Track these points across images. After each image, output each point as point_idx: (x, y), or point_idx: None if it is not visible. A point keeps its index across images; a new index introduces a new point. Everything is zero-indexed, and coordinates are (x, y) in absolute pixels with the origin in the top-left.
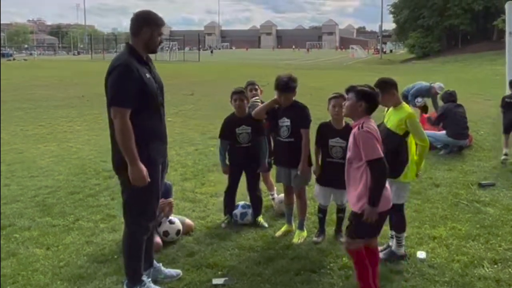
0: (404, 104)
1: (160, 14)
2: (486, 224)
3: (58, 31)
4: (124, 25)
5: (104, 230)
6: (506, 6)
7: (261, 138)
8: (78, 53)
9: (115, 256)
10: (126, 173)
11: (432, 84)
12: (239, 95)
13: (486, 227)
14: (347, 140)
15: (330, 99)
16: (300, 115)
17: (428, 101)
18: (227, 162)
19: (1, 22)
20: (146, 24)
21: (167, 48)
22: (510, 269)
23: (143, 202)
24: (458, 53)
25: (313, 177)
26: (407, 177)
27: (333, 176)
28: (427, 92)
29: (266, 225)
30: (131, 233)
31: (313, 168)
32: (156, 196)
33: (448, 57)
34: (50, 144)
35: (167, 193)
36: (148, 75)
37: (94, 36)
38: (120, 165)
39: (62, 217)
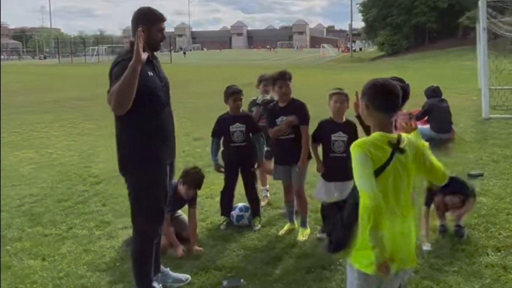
0: None
1: (129, 16)
2: (482, 213)
3: (22, 35)
4: (91, 27)
5: (100, 238)
6: (480, 2)
7: (257, 135)
8: (45, 57)
9: (117, 264)
10: (131, 174)
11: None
12: (239, 94)
13: (483, 216)
14: (348, 134)
15: (331, 94)
16: (299, 112)
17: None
18: (222, 162)
19: None
20: (142, 22)
21: None
22: None
23: (151, 203)
24: (425, 50)
25: (314, 174)
26: None
27: (336, 171)
28: None
29: (257, 228)
30: (141, 237)
31: (310, 163)
32: (163, 198)
33: (416, 54)
34: (28, 151)
35: None
36: (150, 73)
37: (60, 39)
38: (125, 166)
39: (53, 226)
